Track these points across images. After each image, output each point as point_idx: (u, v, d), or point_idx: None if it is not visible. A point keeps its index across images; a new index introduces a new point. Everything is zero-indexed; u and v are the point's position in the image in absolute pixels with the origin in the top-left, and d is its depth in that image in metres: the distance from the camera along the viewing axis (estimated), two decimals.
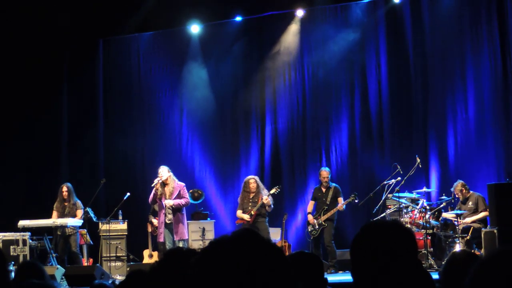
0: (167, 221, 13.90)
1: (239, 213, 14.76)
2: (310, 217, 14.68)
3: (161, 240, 13.93)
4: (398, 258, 2.49)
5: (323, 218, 14.47)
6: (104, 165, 18.12)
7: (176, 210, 13.88)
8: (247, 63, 17.95)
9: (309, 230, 14.66)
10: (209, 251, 1.80)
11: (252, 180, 14.68)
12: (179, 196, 13.96)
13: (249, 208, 14.56)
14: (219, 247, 1.79)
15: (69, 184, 15.15)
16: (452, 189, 13.98)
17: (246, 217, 14.52)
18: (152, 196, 14.10)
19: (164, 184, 14.00)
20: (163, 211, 13.91)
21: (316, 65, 17.26)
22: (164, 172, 14.02)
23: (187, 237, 14.22)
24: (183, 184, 14.28)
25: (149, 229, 15.98)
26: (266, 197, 14.44)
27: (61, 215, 14.90)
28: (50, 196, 15.69)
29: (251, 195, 14.61)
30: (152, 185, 14.08)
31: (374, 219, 14.06)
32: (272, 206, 14.58)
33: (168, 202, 13.82)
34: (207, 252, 1.80)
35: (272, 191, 14.68)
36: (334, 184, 14.87)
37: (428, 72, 16.17)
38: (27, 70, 17.69)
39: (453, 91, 15.91)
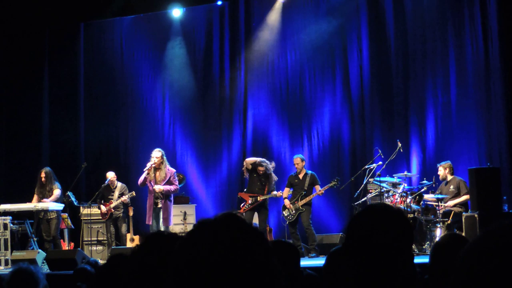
0: (157, 206, 13.86)
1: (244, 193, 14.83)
2: (286, 201, 14.66)
3: (150, 223, 13.92)
4: (396, 246, 2.51)
5: (301, 202, 14.46)
6: (85, 149, 18.08)
7: (165, 196, 13.87)
8: (228, 47, 17.93)
9: (285, 215, 14.65)
10: (194, 235, 1.82)
11: (262, 168, 14.63)
12: (169, 182, 13.93)
13: (257, 190, 14.61)
14: (203, 230, 1.81)
15: (48, 169, 15.10)
16: (438, 165, 13.99)
17: (249, 200, 14.56)
18: (142, 179, 14.02)
19: (155, 168, 13.94)
20: (152, 195, 13.87)
21: (298, 49, 17.25)
22: (158, 156, 13.92)
23: (171, 224, 14.21)
24: (174, 170, 14.23)
25: (103, 210, 15.40)
26: (279, 192, 14.52)
27: (41, 199, 14.87)
28: (31, 180, 15.64)
29: (260, 177, 14.64)
30: (145, 169, 14.01)
31: (356, 203, 14.14)
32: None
33: (158, 188, 13.78)
34: (192, 234, 1.82)
35: (279, 194, 14.71)
36: (310, 172, 14.86)
37: (410, 57, 16.19)
38: (7, 55, 17.60)
39: (435, 75, 15.92)
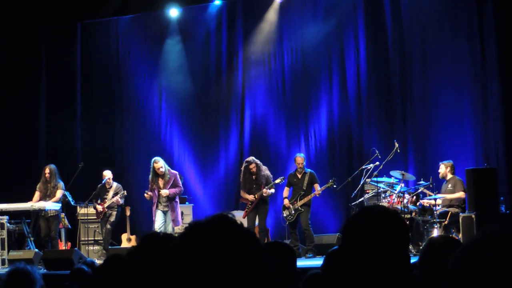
0: (163, 210, 13.87)
1: (243, 193, 14.75)
2: (286, 201, 14.66)
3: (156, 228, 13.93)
4: (392, 247, 2.51)
5: (300, 203, 14.45)
6: (82, 149, 18.07)
7: (171, 198, 13.90)
8: (226, 48, 17.92)
9: (285, 215, 14.64)
10: (185, 238, 1.81)
11: (253, 165, 14.60)
12: (174, 185, 13.96)
13: (253, 190, 14.55)
14: (194, 234, 1.80)
15: (52, 166, 15.08)
16: (440, 163, 13.98)
17: (251, 197, 14.49)
18: (148, 196, 14.08)
19: (158, 175, 13.93)
20: (156, 200, 13.89)
21: (295, 50, 17.25)
22: (162, 166, 13.89)
23: (180, 224, 14.25)
24: (176, 172, 14.30)
25: (98, 209, 15.33)
26: (268, 190, 14.42)
27: (43, 196, 14.86)
28: (28, 179, 15.64)
29: (253, 177, 14.60)
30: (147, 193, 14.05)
31: (353, 203, 14.13)
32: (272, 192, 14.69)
33: (164, 192, 13.80)
34: (183, 238, 1.82)
35: (277, 181, 14.64)
36: (309, 170, 14.84)
37: (407, 56, 16.17)
38: (4, 54, 17.60)
39: (432, 75, 15.88)
